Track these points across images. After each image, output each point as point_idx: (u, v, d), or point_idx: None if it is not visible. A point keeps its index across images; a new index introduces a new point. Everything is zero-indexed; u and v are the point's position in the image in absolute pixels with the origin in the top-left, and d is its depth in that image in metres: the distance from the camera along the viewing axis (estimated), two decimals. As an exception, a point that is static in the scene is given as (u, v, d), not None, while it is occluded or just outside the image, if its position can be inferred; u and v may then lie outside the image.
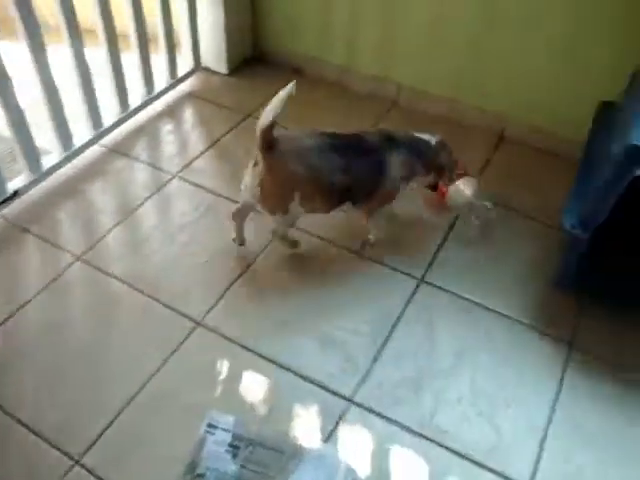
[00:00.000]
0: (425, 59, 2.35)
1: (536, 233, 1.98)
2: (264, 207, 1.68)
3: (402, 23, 2.32)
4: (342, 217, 1.90)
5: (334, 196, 1.71)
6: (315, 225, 1.95)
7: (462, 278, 1.84)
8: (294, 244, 1.85)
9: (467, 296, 1.79)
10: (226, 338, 1.66)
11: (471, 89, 2.35)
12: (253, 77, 2.65)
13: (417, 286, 1.81)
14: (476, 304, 1.77)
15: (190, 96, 2.54)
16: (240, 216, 1.82)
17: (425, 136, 1.83)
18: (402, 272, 1.85)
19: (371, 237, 1.92)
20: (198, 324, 1.69)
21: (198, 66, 2.60)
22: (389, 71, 2.47)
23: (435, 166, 1.85)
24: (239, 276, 1.82)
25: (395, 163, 1.74)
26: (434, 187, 1.94)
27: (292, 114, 2.38)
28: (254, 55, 2.74)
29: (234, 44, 2.59)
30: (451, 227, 2.00)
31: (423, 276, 1.84)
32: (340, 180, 1.66)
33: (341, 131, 1.74)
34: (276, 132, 1.59)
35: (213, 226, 1.96)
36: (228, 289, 1.78)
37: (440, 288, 1.81)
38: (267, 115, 1.54)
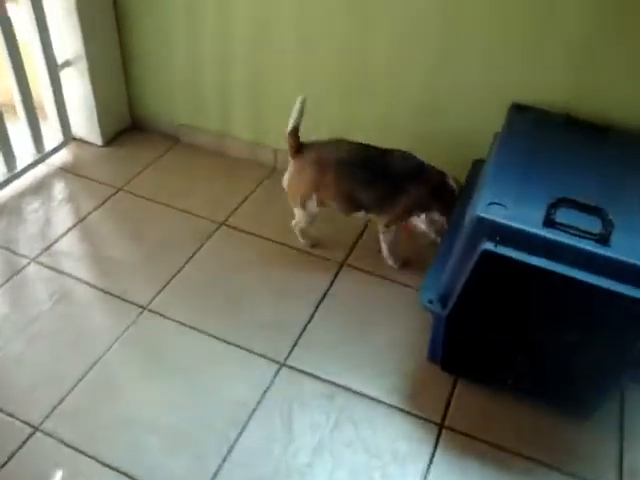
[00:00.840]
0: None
1: (413, 301, 1.88)
2: (289, 198, 1.95)
3: (272, 90, 2.29)
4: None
5: (350, 204, 1.90)
6: (172, 305, 1.84)
7: (328, 358, 1.75)
8: (311, 242, 2.07)
9: (332, 379, 1.70)
10: (67, 445, 1.52)
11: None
12: (129, 147, 2.57)
13: (277, 371, 1.71)
14: (341, 388, 1.68)
15: (60, 170, 2.42)
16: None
17: (452, 182, 1.86)
18: (263, 356, 1.75)
19: (389, 262, 2.02)
20: (37, 430, 1.54)
21: (68, 138, 2.49)
22: (264, 136, 2.42)
23: (446, 208, 1.85)
24: (85, 373, 1.68)
25: (411, 194, 1.84)
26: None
27: (169, 184, 2.35)
28: (132, 124, 2.66)
29: (107, 114, 2.50)
30: (318, 304, 1.91)
31: (285, 359, 1.74)
32: (356, 194, 1.86)
33: (377, 146, 1.87)
34: (309, 140, 1.87)
35: (68, 315, 1.84)
36: (75, 387, 1.64)
37: (303, 372, 1.71)
38: (289, 124, 1.82)
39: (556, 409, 1.63)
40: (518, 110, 1.86)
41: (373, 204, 1.89)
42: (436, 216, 1.90)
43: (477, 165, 1.99)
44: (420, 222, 1.93)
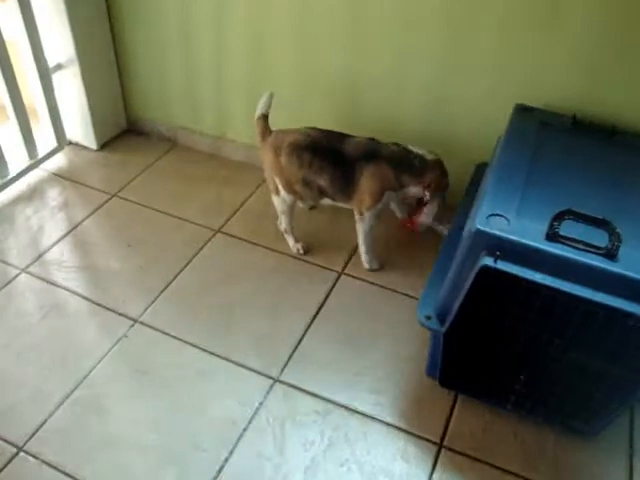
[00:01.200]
0: (297, 122, 2.23)
1: (413, 312, 1.80)
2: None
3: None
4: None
5: (311, 190, 1.87)
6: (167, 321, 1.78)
7: (324, 374, 1.69)
8: (302, 246, 2.02)
9: (327, 396, 1.63)
10: (51, 467, 1.47)
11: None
12: (125, 150, 2.52)
13: (271, 387, 1.65)
14: (337, 404, 1.61)
15: (54, 176, 2.37)
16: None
17: (420, 150, 1.81)
18: (255, 371, 1.68)
19: (366, 262, 1.99)
20: (20, 450, 1.49)
21: (63, 143, 2.44)
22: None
23: (424, 180, 1.81)
24: (72, 391, 1.63)
25: (370, 175, 1.80)
26: (419, 202, 1.91)
27: (164, 189, 2.29)
28: (127, 127, 2.60)
29: (102, 118, 2.45)
30: (314, 315, 1.84)
31: (279, 374, 1.68)
32: (312, 179, 1.84)
33: (337, 131, 1.87)
34: (277, 128, 1.90)
35: (57, 327, 1.79)
36: (60, 405, 1.59)
37: (297, 388, 1.65)
38: (257, 110, 1.89)
39: (561, 428, 1.56)
40: (522, 112, 1.78)
41: (333, 190, 1.86)
42: (415, 190, 1.84)
43: (480, 169, 1.91)
44: (424, 216, 1.90)
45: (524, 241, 1.29)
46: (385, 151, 1.81)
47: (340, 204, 1.91)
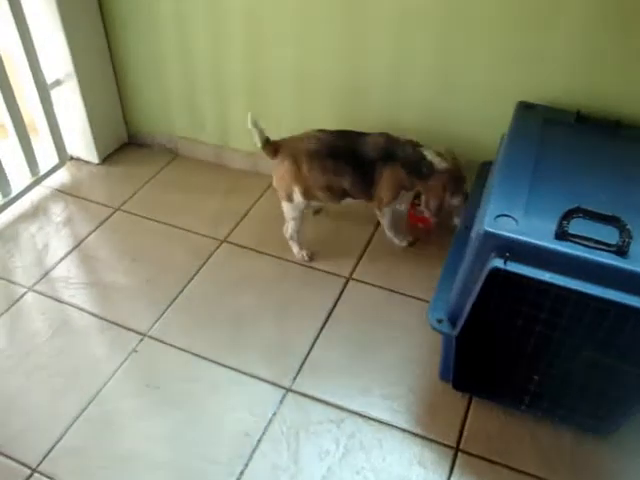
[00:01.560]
0: (295, 132, 2.23)
1: (424, 314, 1.79)
2: (278, 195, 1.97)
3: (269, 99, 2.21)
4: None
5: (333, 193, 1.90)
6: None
7: (336, 381, 1.68)
8: (307, 253, 2.03)
9: (340, 403, 1.62)
10: (66, 486, 1.46)
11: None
12: (127, 163, 2.51)
13: (283, 397, 1.64)
14: (350, 412, 1.60)
15: (57, 192, 2.37)
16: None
17: (433, 157, 1.84)
18: (267, 381, 1.67)
19: (397, 242, 2.07)
20: (34, 471, 1.49)
21: (64, 159, 2.43)
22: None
23: (428, 187, 1.87)
24: (84, 409, 1.62)
25: (388, 176, 1.85)
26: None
27: (168, 201, 2.28)
28: (128, 140, 2.60)
29: (102, 132, 2.45)
30: (324, 323, 1.83)
31: (291, 384, 1.67)
32: (333, 181, 1.87)
33: (353, 131, 1.89)
34: (282, 138, 1.90)
35: (66, 345, 1.78)
36: (73, 424, 1.58)
37: (309, 397, 1.64)
38: (257, 142, 1.88)
39: (577, 427, 1.54)
40: (525, 109, 1.76)
41: (355, 190, 1.90)
42: (426, 198, 1.90)
43: (485, 168, 1.90)
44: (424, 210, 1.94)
45: (533, 241, 1.27)
46: (401, 154, 1.85)
47: (362, 201, 1.96)
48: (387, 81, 2.01)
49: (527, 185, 1.44)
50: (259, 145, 1.87)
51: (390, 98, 2.04)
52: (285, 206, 1.96)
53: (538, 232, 1.29)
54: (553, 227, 1.28)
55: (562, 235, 1.27)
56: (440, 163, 1.84)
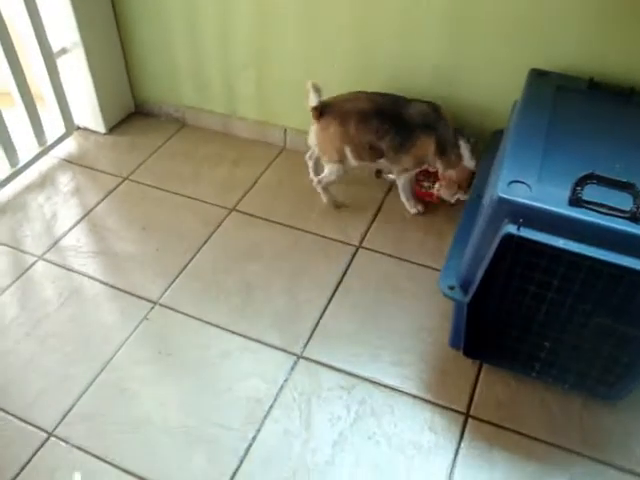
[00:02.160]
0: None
1: (434, 283, 1.76)
2: (323, 157, 2.00)
3: (277, 66, 2.19)
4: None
5: (374, 152, 1.93)
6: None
7: (347, 348, 1.68)
8: (335, 201, 2.09)
9: (351, 370, 1.63)
10: (82, 450, 1.48)
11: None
12: (134, 133, 2.50)
13: (294, 363, 1.65)
14: (361, 378, 1.62)
15: (64, 162, 2.36)
16: (313, 161, 2.12)
17: (466, 149, 1.88)
18: (278, 348, 1.68)
19: (408, 207, 2.09)
20: (50, 435, 1.51)
21: (71, 128, 2.42)
22: (271, 115, 2.33)
23: (447, 173, 1.93)
24: (97, 375, 1.64)
25: (420, 145, 1.88)
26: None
27: (176, 170, 2.28)
28: (135, 109, 2.58)
29: (109, 101, 2.43)
30: (334, 290, 1.84)
31: (302, 351, 1.68)
32: (375, 142, 1.90)
33: (394, 94, 1.92)
34: (327, 99, 1.91)
35: (77, 313, 1.79)
36: (87, 390, 1.60)
37: (320, 364, 1.65)
38: (310, 102, 1.89)
39: (587, 393, 1.55)
40: (538, 76, 1.74)
41: (391, 152, 1.92)
42: (440, 183, 1.96)
43: (497, 136, 1.88)
44: (443, 193, 1.99)
45: (547, 207, 1.27)
46: (441, 129, 1.87)
47: (388, 163, 1.99)
48: (397, 47, 1.98)
49: (540, 152, 1.43)
50: (312, 104, 1.88)
51: (401, 63, 2.01)
52: (332, 167, 1.99)
53: (551, 198, 1.28)
54: (566, 193, 1.28)
55: (576, 201, 1.27)
56: (469, 160, 1.88)
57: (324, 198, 2.09)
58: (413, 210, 2.08)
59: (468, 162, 1.88)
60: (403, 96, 1.91)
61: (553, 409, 1.54)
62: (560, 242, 1.26)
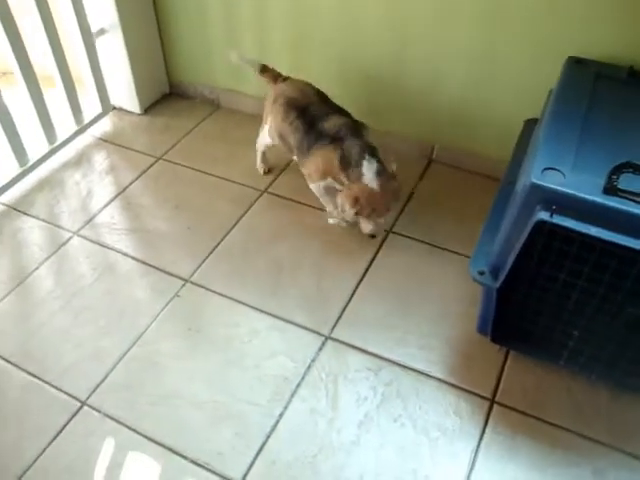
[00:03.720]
0: (342, 86, 2.22)
1: (463, 269, 1.75)
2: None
3: (315, 50, 2.20)
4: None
5: (285, 144, 1.96)
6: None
7: (374, 331, 1.70)
8: (264, 166, 2.17)
9: (378, 352, 1.65)
10: (113, 420, 1.52)
11: (395, 115, 2.23)
12: (168, 114, 2.53)
13: (322, 344, 1.67)
14: (388, 361, 1.63)
15: (100, 141, 2.40)
16: None
17: (372, 170, 1.77)
18: (307, 328, 1.71)
19: (330, 220, 2.02)
20: (84, 404, 1.55)
21: (108, 108, 2.46)
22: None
23: (349, 192, 1.79)
24: (129, 348, 1.68)
25: (320, 154, 1.85)
26: None
27: (209, 152, 2.30)
28: (170, 91, 2.61)
29: (145, 82, 2.46)
30: (363, 274, 1.85)
31: (330, 332, 1.70)
32: (287, 135, 1.92)
33: (328, 98, 1.95)
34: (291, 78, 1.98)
35: (111, 288, 1.83)
36: (119, 362, 1.64)
37: (348, 345, 1.67)
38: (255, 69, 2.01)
39: (615, 383, 1.55)
40: (575, 64, 1.72)
41: (297, 152, 1.93)
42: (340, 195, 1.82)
43: (529, 125, 1.88)
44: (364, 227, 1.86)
45: (581, 195, 1.26)
46: (348, 144, 1.80)
47: (299, 165, 1.98)
48: (428, 36, 1.97)
49: (575, 139, 1.42)
50: (257, 72, 1.98)
51: (432, 53, 2.00)
52: (262, 131, 2.07)
53: (586, 186, 1.28)
54: (601, 182, 1.27)
55: (611, 190, 1.26)
56: (371, 180, 1.76)
57: (258, 162, 2.18)
58: (330, 221, 2.01)
59: (370, 181, 1.76)
60: (331, 101, 1.93)
61: (579, 398, 1.54)
62: (593, 230, 1.25)
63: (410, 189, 2.14)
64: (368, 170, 1.77)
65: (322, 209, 2.05)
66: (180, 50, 2.47)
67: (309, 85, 1.96)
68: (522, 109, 1.92)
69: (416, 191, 2.14)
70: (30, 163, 2.19)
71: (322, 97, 1.94)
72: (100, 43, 2.31)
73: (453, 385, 1.58)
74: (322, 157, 1.85)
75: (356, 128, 1.85)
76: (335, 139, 1.82)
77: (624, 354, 1.46)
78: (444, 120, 2.14)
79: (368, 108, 2.20)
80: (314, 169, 1.89)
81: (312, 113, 1.87)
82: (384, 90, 2.18)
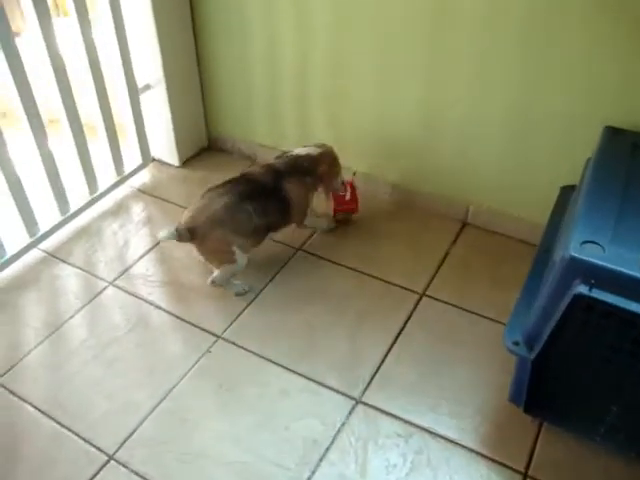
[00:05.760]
0: (377, 146, 2.26)
1: (497, 336, 1.76)
2: (215, 267, 1.92)
3: (352, 111, 2.25)
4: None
5: (261, 233, 1.94)
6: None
7: (406, 396, 1.68)
8: (242, 290, 1.99)
9: (409, 418, 1.62)
10: (140, 476, 1.51)
11: (429, 176, 2.25)
12: (206, 167, 2.58)
13: (353, 408, 1.65)
14: (419, 428, 1.60)
15: (139, 192, 2.46)
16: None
17: (307, 150, 2.02)
18: (338, 391, 1.69)
19: (322, 228, 2.20)
20: (111, 458, 1.55)
21: (147, 160, 2.52)
22: (344, 159, 2.36)
23: (319, 175, 2.01)
24: (159, 403, 1.68)
25: (293, 189, 1.95)
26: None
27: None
28: (208, 145, 2.67)
29: (185, 135, 2.53)
30: (396, 337, 1.84)
31: (361, 395, 1.68)
32: (261, 222, 1.90)
33: (236, 177, 1.97)
34: (188, 224, 1.84)
35: (143, 340, 1.84)
36: (148, 416, 1.64)
37: (379, 410, 1.65)
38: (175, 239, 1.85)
39: (654, 463, 1.50)
40: (613, 134, 1.73)
41: (278, 219, 1.98)
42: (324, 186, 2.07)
43: (566, 192, 1.88)
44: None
45: (620, 269, 1.25)
46: (284, 168, 1.96)
47: (282, 229, 2.03)
48: (470, 95, 2.00)
49: (615, 211, 1.41)
50: (177, 240, 1.83)
51: (470, 115, 2.03)
52: (226, 269, 1.91)
53: (625, 260, 1.27)
54: (641, 257, 1.26)
55: (652, 264, 1.25)
56: (315, 150, 2.02)
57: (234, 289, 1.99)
58: (325, 226, 2.20)
59: (316, 150, 2.03)
60: (241, 173, 2.01)
61: (616, 477, 1.49)
62: (633, 306, 1.24)
63: (444, 252, 2.13)
64: (302, 150, 2.03)
65: (357, 270, 2.06)
66: (220, 104, 2.54)
67: (203, 195, 1.93)
68: (558, 175, 1.93)
69: (450, 254, 2.13)
70: (71, 212, 2.24)
71: (224, 184, 1.94)
72: (144, 97, 2.38)
73: (484, 456, 1.54)
74: (296, 189, 1.97)
75: (268, 165, 2.00)
76: (279, 176, 1.95)
77: (665, 433, 1.42)
78: (479, 183, 2.16)
79: (400, 168, 2.24)
80: (300, 205, 2.02)
81: (250, 190, 1.90)
82: (416, 153, 2.21)
